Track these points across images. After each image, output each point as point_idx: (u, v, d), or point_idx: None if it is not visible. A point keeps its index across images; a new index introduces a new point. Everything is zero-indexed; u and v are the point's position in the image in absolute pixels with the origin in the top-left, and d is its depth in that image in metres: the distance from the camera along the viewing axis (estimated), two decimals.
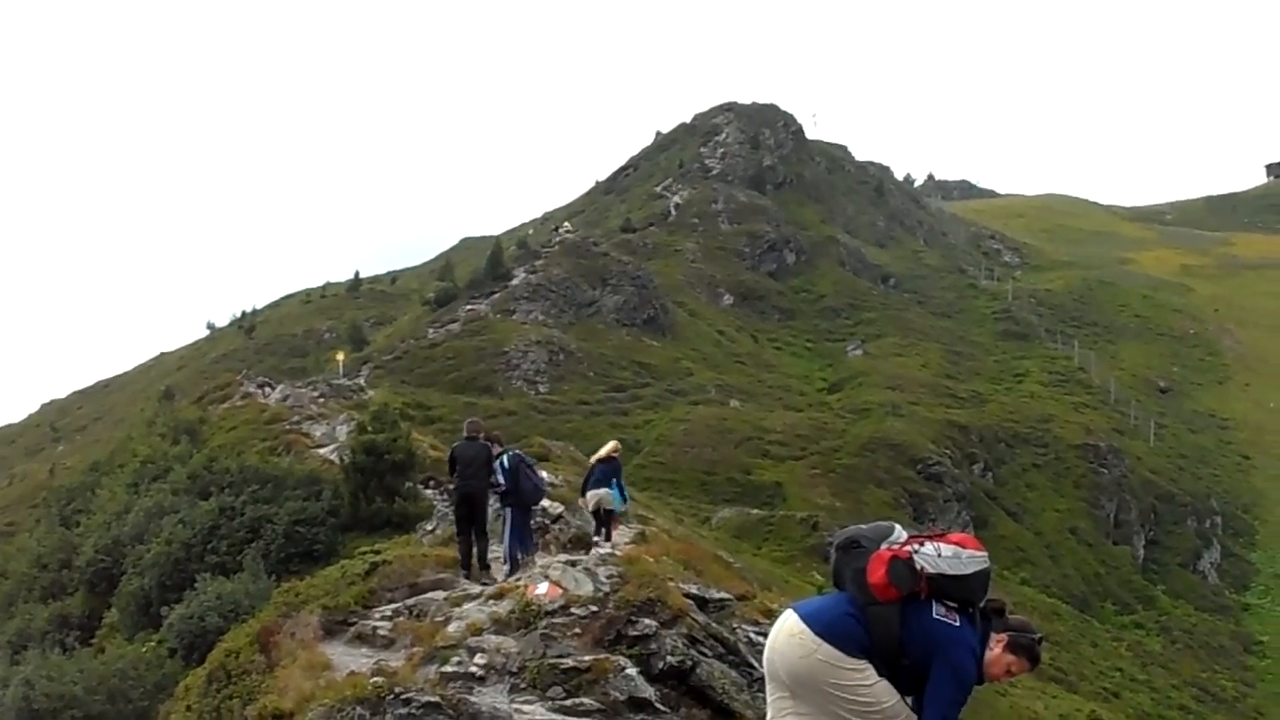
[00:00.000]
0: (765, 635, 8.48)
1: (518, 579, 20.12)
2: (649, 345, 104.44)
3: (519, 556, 24.03)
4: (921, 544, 7.37)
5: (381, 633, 19.17)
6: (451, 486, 28.59)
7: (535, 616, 16.10)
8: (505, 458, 24.79)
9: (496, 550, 25.53)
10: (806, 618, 7.45)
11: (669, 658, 14.69)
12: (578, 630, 15.53)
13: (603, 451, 29.85)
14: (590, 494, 29.41)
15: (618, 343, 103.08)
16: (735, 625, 16.86)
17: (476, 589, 20.47)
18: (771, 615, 17.34)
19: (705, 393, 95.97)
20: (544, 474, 32.15)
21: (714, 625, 16.02)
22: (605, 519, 29.54)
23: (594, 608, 15.99)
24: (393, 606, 20.65)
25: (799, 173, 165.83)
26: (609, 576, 17.31)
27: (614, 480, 29.42)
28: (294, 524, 39.23)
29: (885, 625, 7.28)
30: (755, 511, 72.51)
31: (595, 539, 28.68)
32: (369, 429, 43.15)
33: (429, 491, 42.54)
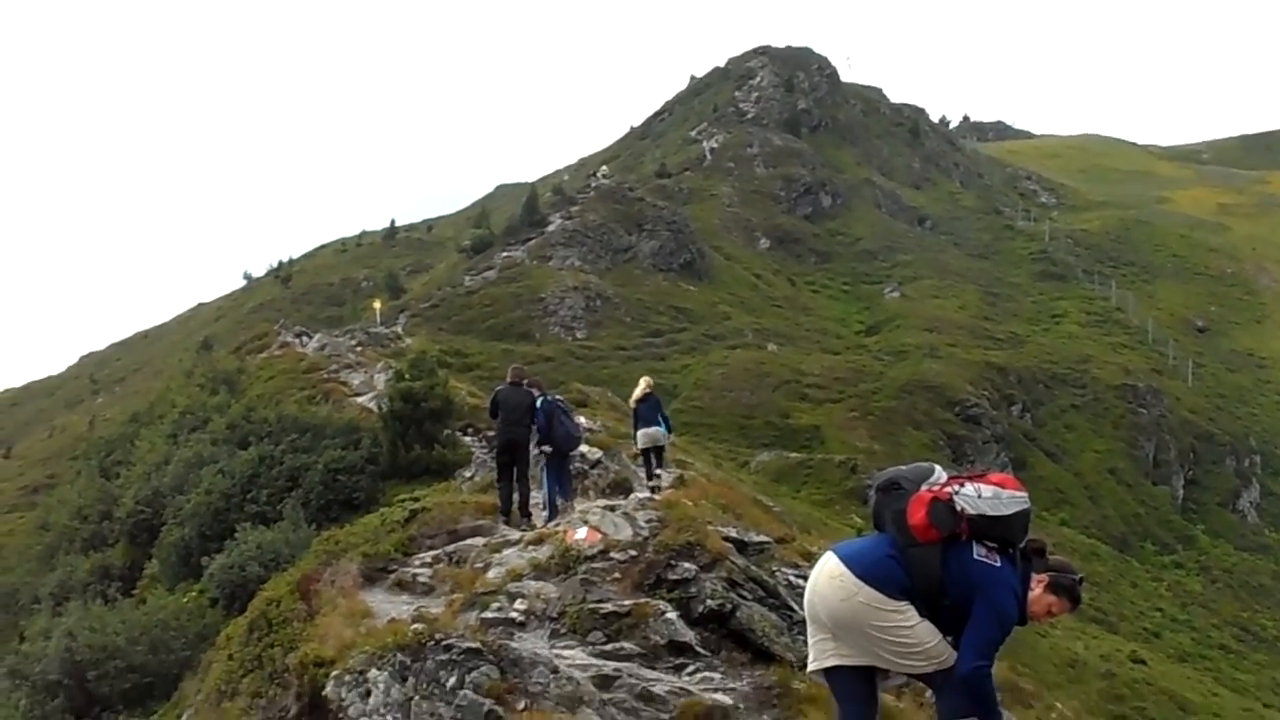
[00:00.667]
0: (805, 578, 8.47)
1: (557, 524, 20.15)
2: (686, 290, 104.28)
3: (558, 502, 24.05)
4: (961, 485, 7.34)
5: (421, 580, 19.19)
6: (493, 433, 28.67)
7: (575, 561, 16.10)
8: (540, 402, 24.70)
9: (536, 496, 25.55)
10: (847, 560, 7.43)
11: (709, 601, 14.68)
12: (617, 575, 15.54)
13: (639, 391, 29.84)
14: (642, 434, 29.47)
15: (654, 288, 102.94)
16: (775, 568, 16.86)
17: (516, 535, 20.46)
18: (811, 558, 17.32)
19: (742, 337, 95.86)
20: (581, 420, 32.13)
21: (753, 568, 16.00)
22: (657, 455, 29.67)
23: (633, 552, 15.99)
24: (432, 553, 20.66)
25: (834, 115, 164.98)
26: (648, 521, 17.30)
27: (659, 415, 29.56)
28: (333, 473, 39.32)
29: (926, 566, 7.29)
30: (793, 455, 72.53)
31: (654, 480, 28.81)
32: (407, 377, 43.18)
33: (467, 439, 42.61)
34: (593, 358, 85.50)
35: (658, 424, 29.31)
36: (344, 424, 43.77)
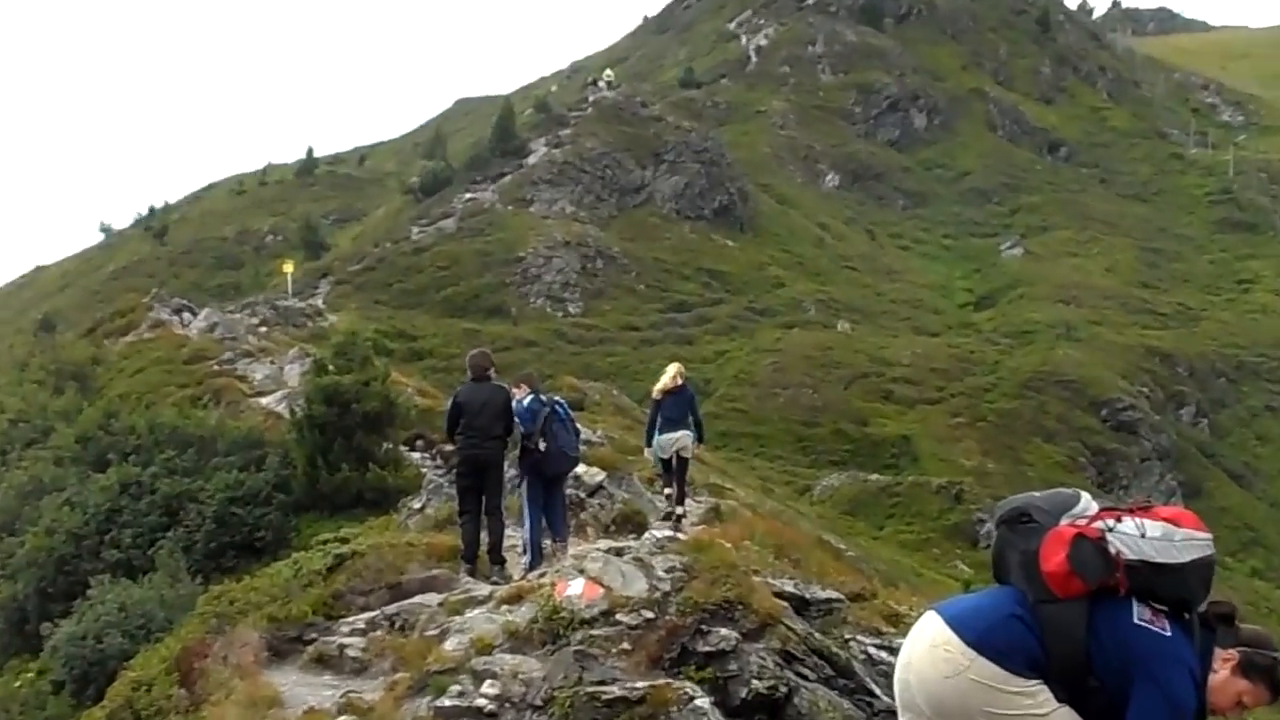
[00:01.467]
0: (892, 649, 8.40)
1: (542, 575, 20.14)
2: (722, 246, 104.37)
3: (545, 544, 23.98)
4: (1118, 519, 7.21)
5: (351, 654, 19.20)
6: (452, 447, 28.51)
7: (567, 627, 16.11)
8: (527, 402, 24.47)
9: (514, 535, 25.50)
10: (954, 622, 7.29)
11: (755, 682, 14.68)
12: (627, 645, 15.54)
13: (666, 380, 29.58)
14: (664, 439, 29.20)
15: (678, 242, 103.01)
16: (847, 636, 16.84)
17: (485, 590, 20.47)
18: (899, 621, 17.31)
19: (802, 311, 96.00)
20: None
21: (817, 636, 16.00)
22: (681, 471, 29.56)
23: (649, 614, 15.99)
24: (366, 616, 20.68)
25: (930, 0, 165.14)
26: (669, 570, 17.28)
27: (691, 414, 29.38)
28: (227, 503, 39.36)
29: (1066, 631, 7.09)
30: (874, 477, 72.56)
31: (667, 494, 28.87)
32: (331, 369, 43.24)
33: (416, 455, 42.72)
34: (591, 341, 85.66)
35: (688, 427, 29.18)
36: (242, 436, 43.87)
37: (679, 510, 28.24)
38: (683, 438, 28.98)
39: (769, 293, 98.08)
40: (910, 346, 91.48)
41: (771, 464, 72.08)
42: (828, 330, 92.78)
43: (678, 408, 29.18)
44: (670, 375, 29.65)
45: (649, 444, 29.87)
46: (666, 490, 29.11)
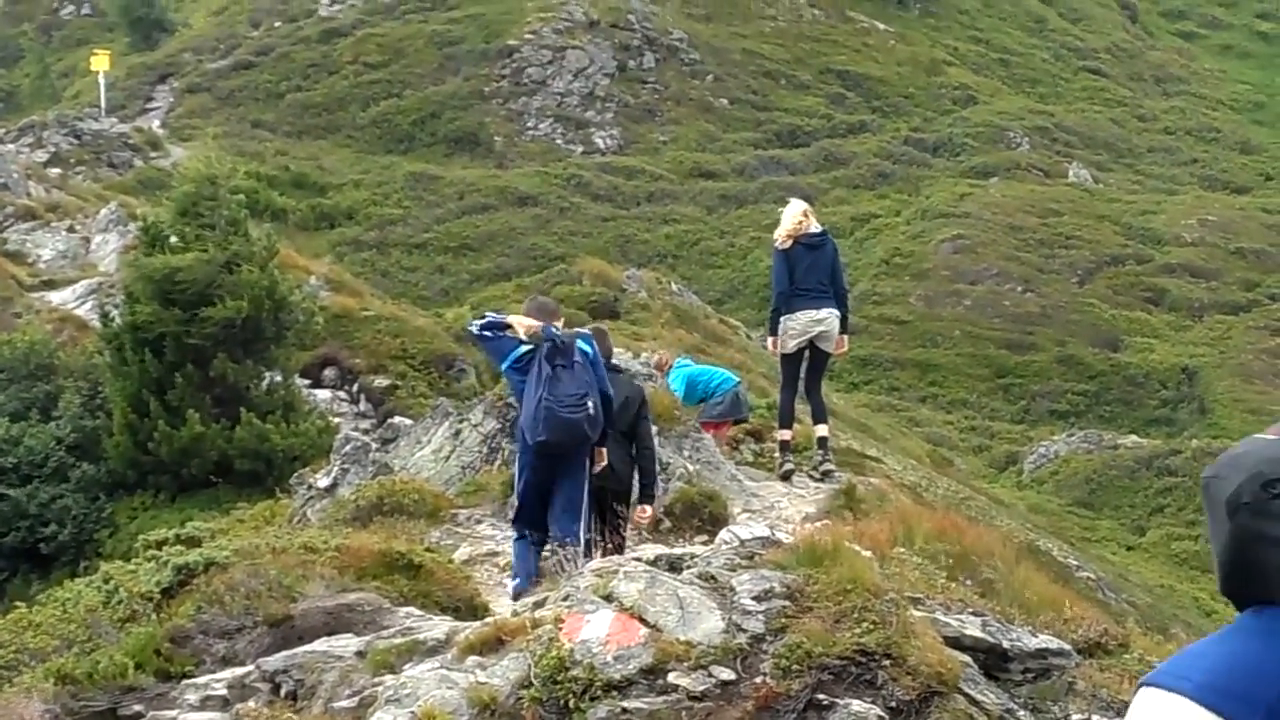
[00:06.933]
0: None
1: (539, 602, 19.93)
2: (867, 30, 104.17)
3: (568, 544, 23.40)
4: None
5: None
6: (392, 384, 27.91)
7: (582, 695, 15.99)
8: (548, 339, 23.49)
9: (493, 536, 25.45)
10: (1210, 698, 6.93)
11: None
12: None
13: (795, 215, 28.97)
14: (795, 321, 29.23)
15: (788, 24, 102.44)
16: (1075, 716, 16.86)
17: (439, 629, 20.33)
18: None
19: (1008, 146, 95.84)
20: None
21: (1022, 716, 16.03)
22: (818, 376, 29.24)
23: (726, 673, 15.96)
24: (231, 675, 20.70)
25: None
26: (763, 596, 17.18)
27: (833, 284, 28.84)
28: None
29: None
30: (1130, 442, 72.01)
31: (782, 440, 28.72)
32: (173, 240, 43.13)
33: (323, 395, 42.73)
34: (634, 198, 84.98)
35: (831, 302, 28.69)
36: (17, 359, 43.81)
37: (821, 462, 28.01)
38: (828, 318, 28.64)
39: (948, 113, 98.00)
40: (1197, 211, 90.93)
41: (950, 415, 71.86)
42: (1052, 181, 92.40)
43: (816, 269, 28.60)
44: (799, 214, 28.91)
45: (775, 329, 29.14)
46: (781, 433, 28.89)
